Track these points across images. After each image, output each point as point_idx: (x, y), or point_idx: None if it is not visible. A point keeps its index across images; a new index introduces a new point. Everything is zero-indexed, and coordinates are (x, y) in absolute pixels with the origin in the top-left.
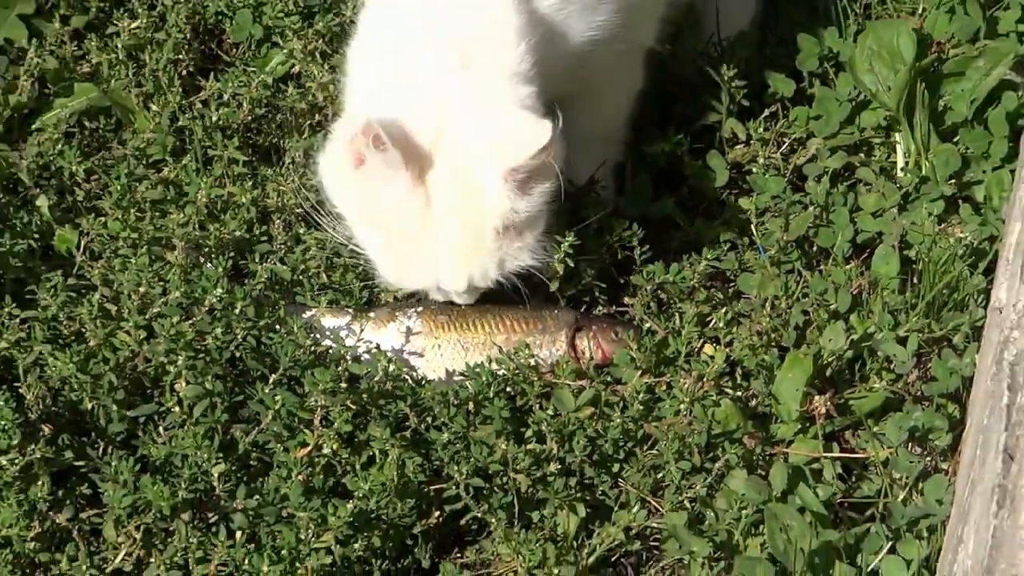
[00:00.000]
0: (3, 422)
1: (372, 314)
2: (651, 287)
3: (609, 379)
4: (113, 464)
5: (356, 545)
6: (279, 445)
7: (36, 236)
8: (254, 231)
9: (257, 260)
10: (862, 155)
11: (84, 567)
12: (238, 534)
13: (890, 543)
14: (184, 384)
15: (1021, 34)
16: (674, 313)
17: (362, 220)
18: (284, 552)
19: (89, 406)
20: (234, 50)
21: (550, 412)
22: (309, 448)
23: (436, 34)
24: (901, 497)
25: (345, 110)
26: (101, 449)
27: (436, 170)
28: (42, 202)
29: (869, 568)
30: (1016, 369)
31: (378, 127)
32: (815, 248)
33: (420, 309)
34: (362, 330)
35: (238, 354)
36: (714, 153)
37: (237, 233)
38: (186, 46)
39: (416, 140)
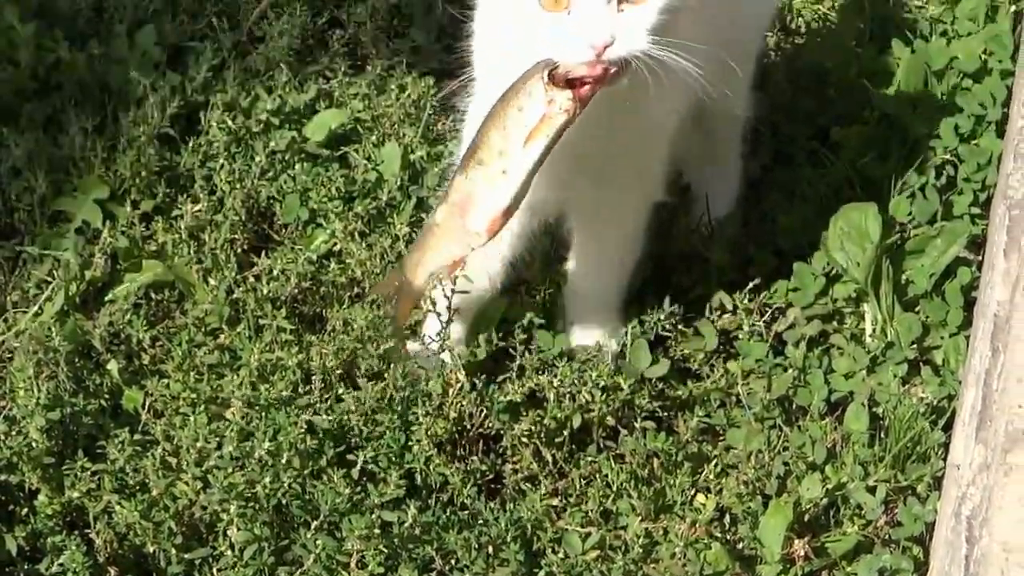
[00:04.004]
0: (75, 564)
1: None
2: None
3: (612, 526)
4: None
5: None
6: None
7: (107, 396)
8: (299, 391)
9: (297, 415)
10: (835, 323)
11: None
12: None
13: None
14: (235, 530)
15: (973, 216)
16: (671, 467)
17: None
18: None
19: (151, 549)
20: (283, 230)
21: (560, 555)
22: None
23: None
24: None
25: None
26: None
27: None
28: (112, 366)
29: None
30: (973, 523)
31: None
32: (794, 406)
33: None
34: None
35: (284, 501)
36: (704, 321)
37: (284, 393)
38: (241, 227)
39: None
